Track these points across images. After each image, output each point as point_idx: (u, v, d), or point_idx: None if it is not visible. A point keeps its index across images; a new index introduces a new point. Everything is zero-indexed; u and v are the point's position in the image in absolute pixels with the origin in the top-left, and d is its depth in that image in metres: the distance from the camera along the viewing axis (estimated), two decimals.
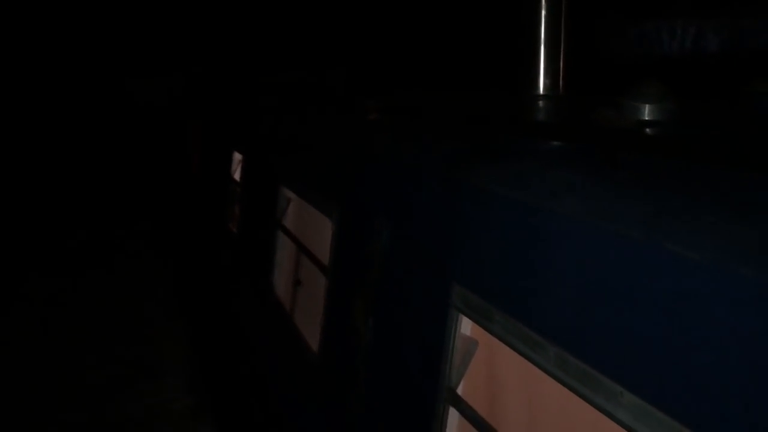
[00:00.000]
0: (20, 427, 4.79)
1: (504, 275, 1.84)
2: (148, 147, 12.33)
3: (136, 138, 13.09)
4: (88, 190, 12.33)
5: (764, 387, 1.01)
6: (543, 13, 2.29)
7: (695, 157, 1.84)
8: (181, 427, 4.86)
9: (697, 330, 1.18)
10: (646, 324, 1.29)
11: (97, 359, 6.03)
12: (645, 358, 1.29)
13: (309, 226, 3.89)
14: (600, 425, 1.47)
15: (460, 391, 2.05)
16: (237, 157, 6.28)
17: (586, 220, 1.54)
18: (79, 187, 12.36)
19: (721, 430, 1.09)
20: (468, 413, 1.98)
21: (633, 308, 1.33)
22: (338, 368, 2.99)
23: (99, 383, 5.55)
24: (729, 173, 1.64)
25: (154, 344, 6.35)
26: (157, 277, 8.33)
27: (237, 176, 6.16)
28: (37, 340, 6.43)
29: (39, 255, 9.38)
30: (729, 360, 1.09)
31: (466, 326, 2.05)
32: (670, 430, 1.18)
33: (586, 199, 1.67)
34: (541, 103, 2.39)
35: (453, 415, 2.05)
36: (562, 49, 2.28)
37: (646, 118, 2.23)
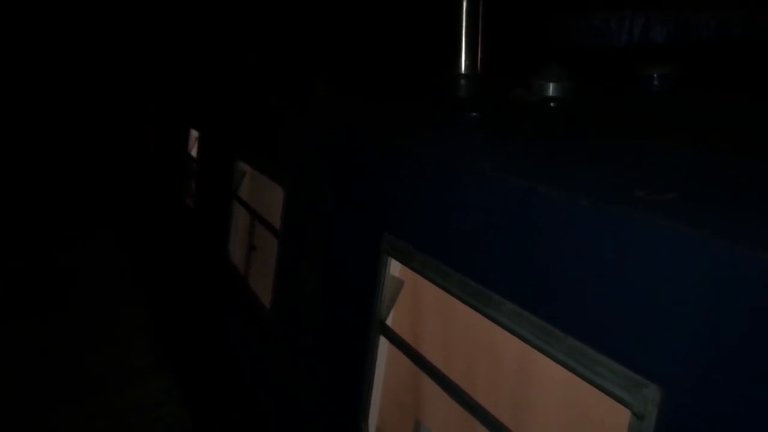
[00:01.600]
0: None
1: (424, 223, 2.21)
2: (104, 127, 12.37)
3: (90, 117, 13.10)
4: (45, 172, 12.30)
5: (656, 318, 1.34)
6: (464, 4, 2.69)
7: (582, 124, 2.26)
8: (143, 378, 5.19)
9: (565, 252, 1.57)
10: (530, 251, 1.67)
11: (62, 326, 6.26)
12: (532, 279, 1.67)
13: (262, 195, 4.21)
14: (499, 336, 1.85)
15: (389, 322, 2.42)
16: (194, 134, 6.52)
17: (485, 174, 1.93)
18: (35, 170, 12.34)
19: (585, 329, 1.48)
20: (395, 340, 2.36)
21: (519, 239, 1.72)
22: (288, 318, 3.36)
23: (65, 345, 5.82)
24: (605, 135, 2.06)
25: (114, 312, 6.61)
26: (117, 254, 8.53)
27: (194, 153, 6.41)
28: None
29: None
30: (593, 275, 1.48)
31: (395, 268, 2.42)
32: (559, 340, 1.54)
33: (489, 158, 2.06)
34: (461, 81, 2.77)
35: (383, 343, 2.43)
36: (480, 33, 2.67)
37: (550, 95, 2.64)
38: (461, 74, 2.79)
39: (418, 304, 2.39)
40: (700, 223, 1.25)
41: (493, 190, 1.84)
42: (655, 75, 2.76)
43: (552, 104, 2.61)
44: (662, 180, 1.57)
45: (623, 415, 1.36)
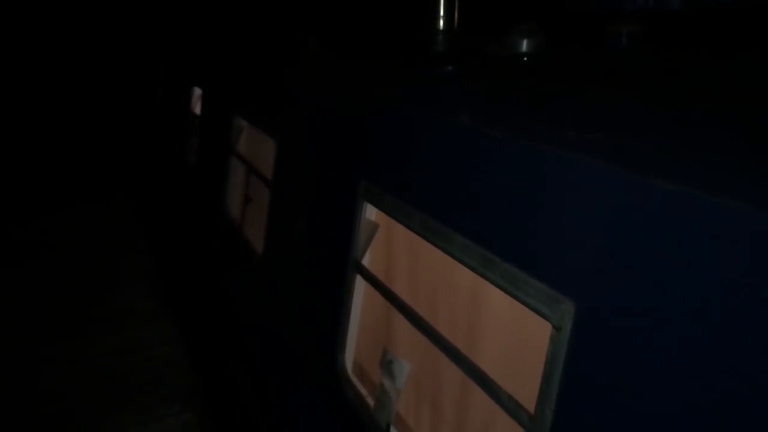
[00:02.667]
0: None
1: (395, 170, 2.38)
2: (115, 90, 12.54)
3: (102, 80, 13.24)
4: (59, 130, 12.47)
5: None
6: None
7: (546, 77, 2.42)
8: (146, 319, 5.45)
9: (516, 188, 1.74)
10: (473, 188, 1.84)
11: (68, 272, 6.51)
12: (475, 213, 1.84)
13: (257, 149, 4.39)
14: (456, 269, 2.03)
15: (365, 262, 2.61)
16: (197, 92, 6.68)
17: (441, 121, 2.09)
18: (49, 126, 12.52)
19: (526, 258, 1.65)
20: (369, 278, 2.54)
21: (465, 177, 1.89)
22: (276, 262, 3.56)
23: (70, 289, 6.08)
24: (562, 86, 2.22)
25: (118, 261, 6.86)
26: (120, 209, 8.75)
27: (197, 111, 6.58)
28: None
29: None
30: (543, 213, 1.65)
31: (371, 212, 2.60)
32: (497, 266, 1.71)
33: (450, 108, 2.22)
34: (440, 37, 2.92)
35: (359, 282, 2.62)
36: None
37: (523, 50, 2.79)
38: (440, 31, 2.94)
39: (391, 245, 2.58)
40: (613, 157, 1.41)
41: (447, 135, 2.01)
42: (623, 33, 2.90)
43: (524, 59, 2.76)
44: (596, 123, 1.73)
45: (548, 332, 1.54)
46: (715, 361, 1.12)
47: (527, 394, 1.62)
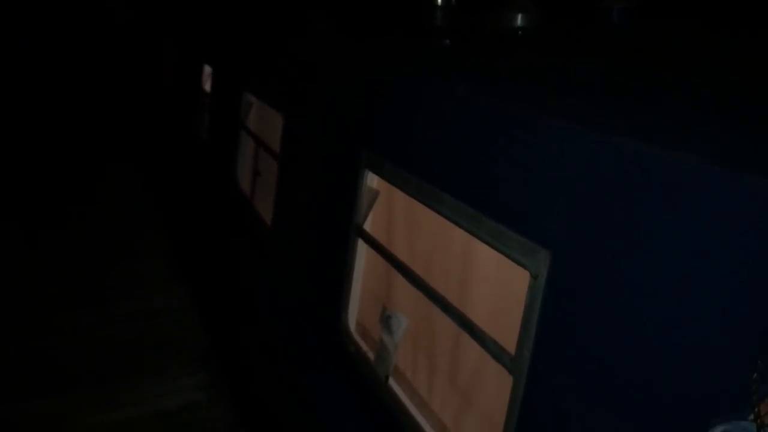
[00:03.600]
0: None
1: (394, 139, 2.53)
2: (126, 65, 12.68)
3: (114, 56, 13.39)
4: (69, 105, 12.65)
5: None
6: None
7: (539, 50, 2.56)
8: (160, 287, 5.65)
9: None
10: (462, 152, 1.99)
11: (90, 245, 6.73)
12: (464, 175, 1.98)
13: (266, 124, 4.54)
14: (448, 229, 2.18)
15: (366, 227, 2.76)
16: (207, 70, 6.82)
17: (435, 92, 2.24)
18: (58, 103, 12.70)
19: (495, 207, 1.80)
20: (371, 242, 2.70)
21: (456, 143, 2.03)
22: (284, 231, 3.72)
23: (88, 260, 6.30)
24: (551, 58, 2.35)
25: (136, 235, 7.07)
26: (140, 183, 8.96)
27: (207, 88, 6.73)
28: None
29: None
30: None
31: (372, 180, 2.75)
32: (482, 222, 1.86)
33: (445, 79, 2.36)
34: (438, 12, 3.06)
35: (361, 245, 2.77)
36: None
37: (518, 25, 2.92)
38: (439, 6, 3.08)
39: (391, 210, 2.73)
40: (585, 120, 1.56)
41: (439, 104, 2.16)
42: (615, 8, 3.02)
43: (519, 33, 2.89)
44: (577, 91, 1.87)
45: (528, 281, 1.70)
46: (675, 305, 1.26)
47: (511, 339, 1.77)
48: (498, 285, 2.05)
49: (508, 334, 1.81)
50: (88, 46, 13.52)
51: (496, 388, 1.98)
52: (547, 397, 1.60)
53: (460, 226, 2.01)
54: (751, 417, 1.08)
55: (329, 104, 3.22)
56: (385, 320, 2.52)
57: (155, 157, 9.35)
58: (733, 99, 1.70)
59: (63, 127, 11.42)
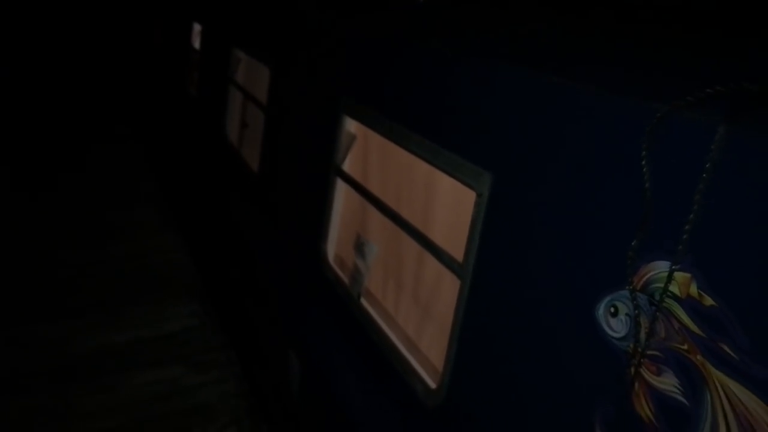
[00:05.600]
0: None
1: (371, 88, 2.83)
2: (117, 27, 12.80)
3: (105, 18, 13.50)
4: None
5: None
6: None
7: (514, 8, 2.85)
8: (154, 231, 5.98)
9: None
10: (422, 93, 2.30)
11: (90, 194, 7.02)
12: (425, 114, 2.30)
13: (254, 78, 4.81)
14: (414, 163, 2.50)
15: (344, 167, 3.08)
16: (197, 28, 7.05)
17: (398, 43, 2.54)
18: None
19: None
20: (348, 180, 3.02)
21: (419, 85, 2.34)
22: (269, 175, 4.04)
23: (85, 208, 6.60)
24: (502, 17, 2.65)
25: (131, 187, 7.37)
26: (132, 139, 9.20)
27: (196, 45, 6.96)
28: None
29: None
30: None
31: (350, 124, 3.06)
32: (441, 154, 2.18)
33: (408, 33, 2.66)
34: None
35: (340, 184, 3.09)
36: None
37: None
38: None
39: (367, 151, 3.04)
40: (512, 61, 1.87)
41: (404, 54, 2.47)
42: None
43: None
44: (529, 41, 2.18)
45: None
46: (585, 208, 1.58)
47: (462, 251, 2.10)
48: (453, 207, 2.37)
49: (460, 247, 2.15)
50: (79, 8, 13.59)
51: (450, 298, 2.32)
52: (486, 294, 1.93)
53: (423, 159, 2.33)
54: (628, 287, 1.42)
55: (312, 58, 3.51)
56: (359, 247, 2.85)
57: (147, 114, 9.58)
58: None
59: (56, 86, 11.57)
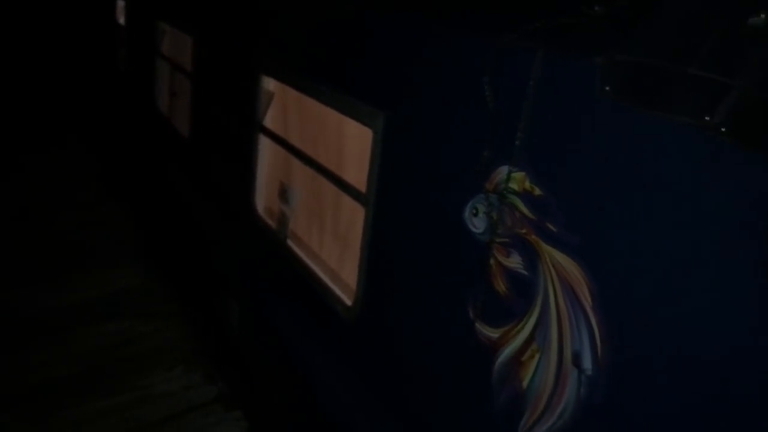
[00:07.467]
0: None
1: (286, 48, 3.09)
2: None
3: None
4: None
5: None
6: None
7: None
8: (92, 206, 6.17)
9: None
10: (334, 51, 2.58)
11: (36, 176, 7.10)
12: (334, 69, 2.58)
13: (179, 48, 5.00)
14: (327, 113, 2.78)
15: (266, 123, 3.34)
16: (120, 4, 7.13)
17: (316, 10, 2.81)
18: None
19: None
20: (270, 134, 3.28)
21: (331, 47, 2.62)
22: (197, 139, 4.28)
23: (28, 184, 6.72)
24: None
25: (70, 164, 7.48)
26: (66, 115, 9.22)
27: (121, 21, 7.05)
28: None
29: None
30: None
31: (268, 83, 3.31)
32: (348, 101, 2.47)
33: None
34: None
35: (263, 140, 3.35)
36: None
37: None
38: None
39: (286, 107, 3.31)
40: (398, 21, 2.17)
41: (307, 14, 2.75)
42: None
43: None
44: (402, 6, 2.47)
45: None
46: (458, 132, 1.89)
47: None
48: (359, 148, 2.67)
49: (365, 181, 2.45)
50: None
51: (361, 228, 2.63)
52: (386, 219, 2.25)
53: (333, 108, 2.62)
54: (483, 191, 1.74)
55: (231, 24, 3.75)
56: (283, 194, 3.14)
57: (77, 94, 9.58)
58: None
59: None
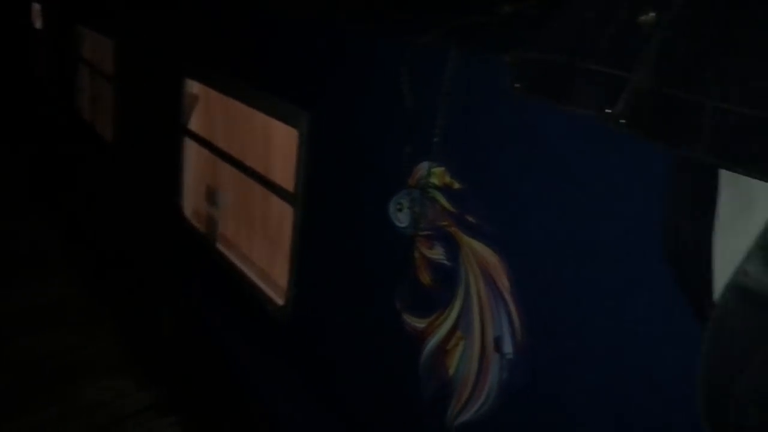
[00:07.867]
0: None
1: (209, 51, 3.08)
2: None
3: None
4: None
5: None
6: None
7: None
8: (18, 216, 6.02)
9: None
10: (259, 55, 2.59)
11: None
12: (260, 68, 2.59)
13: (100, 51, 4.90)
14: (253, 115, 2.79)
15: (191, 126, 3.32)
16: (36, 7, 6.92)
17: (235, 8, 2.81)
18: None
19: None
20: (196, 138, 3.27)
21: (258, 47, 2.63)
22: (123, 143, 4.21)
23: None
24: None
25: None
26: None
27: (37, 25, 6.85)
28: None
29: None
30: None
31: (192, 86, 3.29)
32: (273, 102, 2.48)
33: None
34: None
35: (188, 142, 3.33)
36: None
37: None
38: None
39: (210, 109, 3.29)
40: (321, 23, 2.20)
41: (230, 16, 2.75)
42: None
43: None
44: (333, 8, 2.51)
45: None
46: (386, 122, 1.94)
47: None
48: (285, 148, 2.70)
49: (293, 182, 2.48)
50: None
51: (291, 228, 2.65)
52: (315, 217, 2.28)
53: (258, 109, 2.64)
54: (406, 186, 1.79)
55: (153, 28, 3.71)
56: (211, 197, 3.13)
57: None
58: None
59: None
